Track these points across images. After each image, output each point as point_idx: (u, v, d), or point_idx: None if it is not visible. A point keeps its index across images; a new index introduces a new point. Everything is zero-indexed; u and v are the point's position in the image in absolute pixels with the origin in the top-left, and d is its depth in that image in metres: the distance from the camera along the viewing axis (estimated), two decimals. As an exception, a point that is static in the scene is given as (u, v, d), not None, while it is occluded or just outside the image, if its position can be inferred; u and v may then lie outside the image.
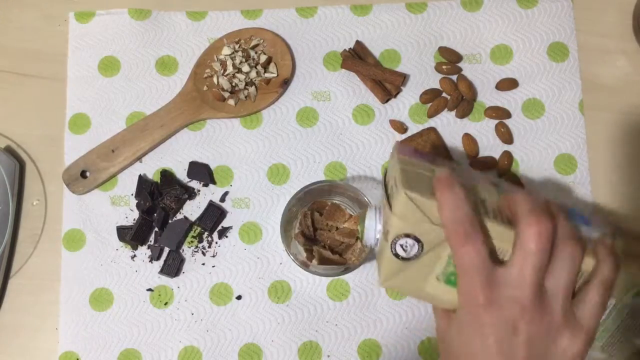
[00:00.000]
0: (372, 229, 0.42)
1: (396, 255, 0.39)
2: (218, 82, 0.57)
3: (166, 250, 0.55)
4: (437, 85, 0.57)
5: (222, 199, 0.56)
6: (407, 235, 0.38)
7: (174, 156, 0.57)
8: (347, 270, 0.51)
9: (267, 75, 0.57)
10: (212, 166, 0.57)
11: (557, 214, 0.38)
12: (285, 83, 0.57)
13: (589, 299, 0.38)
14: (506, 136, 0.56)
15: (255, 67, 0.57)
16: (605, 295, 0.38)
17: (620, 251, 0.40)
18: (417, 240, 0.38)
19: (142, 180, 0.56)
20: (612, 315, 0.43)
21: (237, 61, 0.57)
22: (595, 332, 0.38)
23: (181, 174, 0.57)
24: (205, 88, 0.57)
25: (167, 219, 0.56)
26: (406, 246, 0.38)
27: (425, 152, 0.52)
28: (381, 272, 0.41)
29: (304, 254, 0.52)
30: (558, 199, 0.55)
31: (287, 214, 0.51)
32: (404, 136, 0.56)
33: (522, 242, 0.36)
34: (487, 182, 0.41)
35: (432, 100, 0.57)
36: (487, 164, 0.56)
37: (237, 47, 0.57)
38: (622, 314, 0.43)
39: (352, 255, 0.52)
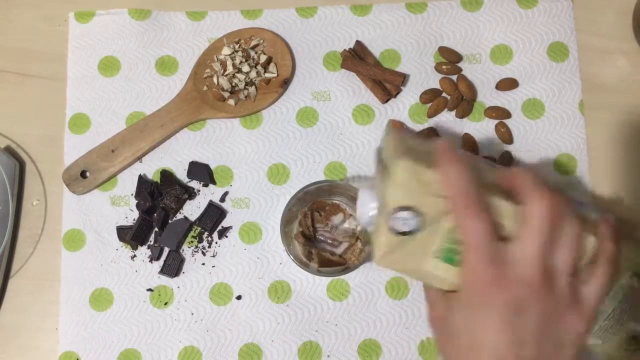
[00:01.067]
0: (366, 206, 0.39)
1: (394, 229, 0.36)
2: (218, 82, 0.57)
3: (166, 250, 0.55)
4: (437, 85, 0.57)
5: (222, 199, 0.56)
6: (406, 208, 0.36)
7: (174, 156, 0.57)
8: (347, 270, 0.51)
9: (267, 75, 0.57)
10: (212, 166, 0.57)
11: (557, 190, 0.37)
12: (285, 83, 0.57)
13: (594, 277, 0.37)
14: (506, 136, 0.56)
15: (255, 67, 0.57)
16: (610, 274, 0.37)
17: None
18: (416, 213, 0.35)
19: (142, 180, 0.56)
20: (609, 297, 0.41)
21: (237, 61, 0.57)
22: (596, 311, 0.37)
23: (181, 174, 0.57)
24: (205, 88, 0.57)
25: (167, 219, 0.56)
26: (405, 219, 0.36)
27: (414, 131, 0.52)
28: (377, 250, 0.37)
29: (304, 254, 0.52)
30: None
31: (287, 214, 0.51)
32: (404, 136, 0.56)
33: (531, 217, 0.35)
34: (480, 160, 0.40)
35: (432, 100, 0.57)
36: (487, 164, 0.56)
37: (237, 47, 0.57)
38: (619, 296, 0.41)
39: (352, 255, 0.52)
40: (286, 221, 0.51)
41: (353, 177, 0.56)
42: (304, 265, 0.51)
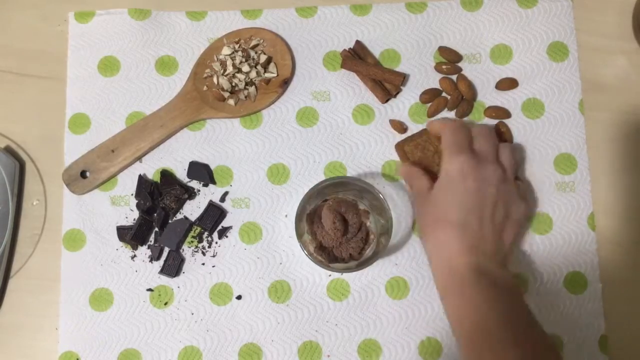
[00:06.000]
0: None
1: None
2: (218, 82, 0.57)
3: (166, 250, 0.55)
4: (437, 85, 0.57)
5: (222, 199, 0.56)
6: None
7: (174, 156, 0.57)
8: (361, 265, 0.51)
9: (267, 75, 0.57)
10: (212, 166, 0.57)
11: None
12: (285, 83, 0.57)
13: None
14: (506, 136, 0.56)
15: (255, 67, 0.57)
16: None
17: None
18: None
19: (142, 180, 0.56)
20: None
21: (237, 61, 0.57)
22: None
23: (181, 174, 0.57)
24: (205, 88, 0.57)
25: (167, 219, 0.56)
26: None
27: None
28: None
29: (328, 261, 0.52)
30: (558, 199, 0.55)
31: (300, 212, 0.51)
32: (404, 136, 0.56)
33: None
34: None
35: (432, 100, 0.57)
36: (487, 164, 0.56)
37: (237, 47, 0.57)
38: None
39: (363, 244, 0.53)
40: (299, 215, 0.51)
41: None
42: (326, 266, 0.51)
